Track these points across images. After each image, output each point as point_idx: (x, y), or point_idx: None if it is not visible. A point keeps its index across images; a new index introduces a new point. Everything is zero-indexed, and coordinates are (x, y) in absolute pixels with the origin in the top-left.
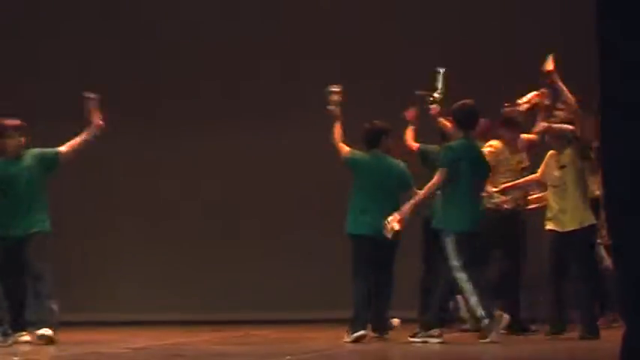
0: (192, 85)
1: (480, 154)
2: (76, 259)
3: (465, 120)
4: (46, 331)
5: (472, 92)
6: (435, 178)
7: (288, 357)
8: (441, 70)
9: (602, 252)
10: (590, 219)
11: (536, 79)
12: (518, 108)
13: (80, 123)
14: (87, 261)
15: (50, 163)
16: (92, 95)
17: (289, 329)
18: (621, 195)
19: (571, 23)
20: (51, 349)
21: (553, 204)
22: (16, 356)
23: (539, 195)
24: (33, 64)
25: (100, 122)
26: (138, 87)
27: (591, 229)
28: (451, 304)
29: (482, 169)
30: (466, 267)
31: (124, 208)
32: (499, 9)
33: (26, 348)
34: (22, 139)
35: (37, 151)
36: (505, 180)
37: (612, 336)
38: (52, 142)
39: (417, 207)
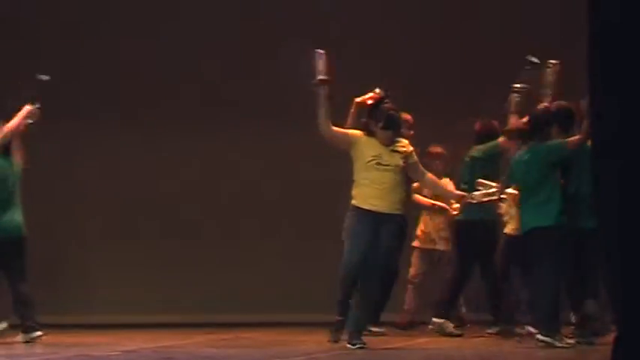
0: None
1: None
2: (67, 262)
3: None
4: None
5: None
6: None
7: None
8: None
9: None
10: None
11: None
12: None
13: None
14: (78, 263)
15: None
16: (44, 77)
17: (279, 332)
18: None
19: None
20: (42, 352)
21: None
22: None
23: None
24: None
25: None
26: (137, 89)
27: None
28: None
29: None
30: None
31: (116, 210)
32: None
33: (17, 350)
34: None
35: None
36: None
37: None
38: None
39: None
